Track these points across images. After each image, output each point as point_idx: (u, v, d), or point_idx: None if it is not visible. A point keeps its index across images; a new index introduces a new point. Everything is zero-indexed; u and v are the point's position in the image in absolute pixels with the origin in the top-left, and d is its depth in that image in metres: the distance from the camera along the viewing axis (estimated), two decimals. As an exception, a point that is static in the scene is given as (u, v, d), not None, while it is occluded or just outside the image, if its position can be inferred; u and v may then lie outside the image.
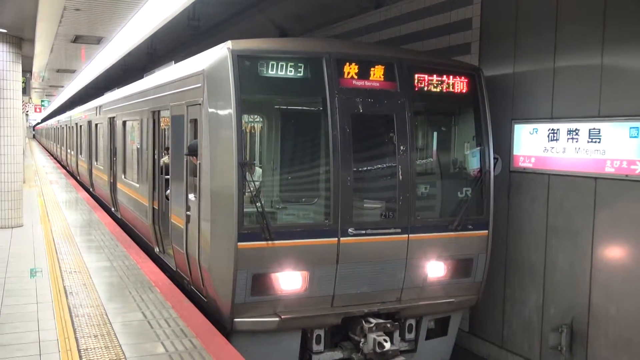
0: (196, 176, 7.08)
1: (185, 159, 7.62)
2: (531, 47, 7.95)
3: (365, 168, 7.26)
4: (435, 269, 7.39)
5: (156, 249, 9.58)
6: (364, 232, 6.87)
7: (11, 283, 7.60)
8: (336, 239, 6.75)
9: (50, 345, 5.47)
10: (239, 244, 6.37)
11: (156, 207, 9.51)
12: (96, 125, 17.35)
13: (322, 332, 6.99)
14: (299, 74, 6.75)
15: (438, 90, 7.42)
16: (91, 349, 5.38)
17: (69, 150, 27.75)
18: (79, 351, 5.33)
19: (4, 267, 8.46)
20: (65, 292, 7.19)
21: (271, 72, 6.63)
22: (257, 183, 6.83)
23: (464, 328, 9.05)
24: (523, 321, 8.20)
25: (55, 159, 38.75)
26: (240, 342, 6.55)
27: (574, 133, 7.28)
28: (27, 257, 9.13)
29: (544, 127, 7.70)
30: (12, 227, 11.54)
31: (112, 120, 14.19)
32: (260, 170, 7.62)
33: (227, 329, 6.60)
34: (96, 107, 17.34)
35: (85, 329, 5.92)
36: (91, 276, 8.00)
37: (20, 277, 7.89)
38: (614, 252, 6.94)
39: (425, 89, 7.34)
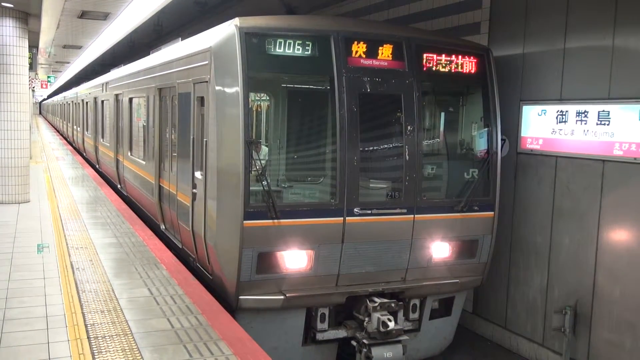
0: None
1: (192, 137, 7.61)
2: (542, 28, 7.86)
3: (372, 148, 7.23)
4: (440, 250, 7.41)
5: (162, 226, 9.62)
6: (369, 211, 6.88)
7: (18, 258, 7.66)
8: (342, 218, 6.76)
9: (57, 320, 5.52)
10: (245, 222, 6.39)
11: (162, 184, 9.53)
12: (102, 102, 17.32)
13: (326, 311, 7.03)
14: (306, 52, 6.70)
15: (447, 70, 7.37)
16: (98, 324, 5.42)
17: (75, 127, 27.77)
18: (86, 326, 5.37)
19: (11, 242, 8.52)
20: (72, 268, 7.24)
21: (279, 50, 6.58)
22: (263, 161, 6.82)
23: (468, 309, 9.08)
24: (527, 302, 8.22)
25: (62, 135, 38.81)
26: (245, 320, 6.61)
27: (583, 115, 7.22)
28: (34, 232, 9.18)
29: (552, 109, 7.64)
30: (19, 203, 11.61)
31: (118, 97, 14.17)
32: (267, 148, 7.60)
33: (232, 307, 6.65)
34: (102, 84, 17.30)
35: (92, 304, 5.97)
36: (97, 252, 8.05)
37: (27, 253, 7.94)
38: (619, 235, 6.92)
39: (434, 68, 7.29)
